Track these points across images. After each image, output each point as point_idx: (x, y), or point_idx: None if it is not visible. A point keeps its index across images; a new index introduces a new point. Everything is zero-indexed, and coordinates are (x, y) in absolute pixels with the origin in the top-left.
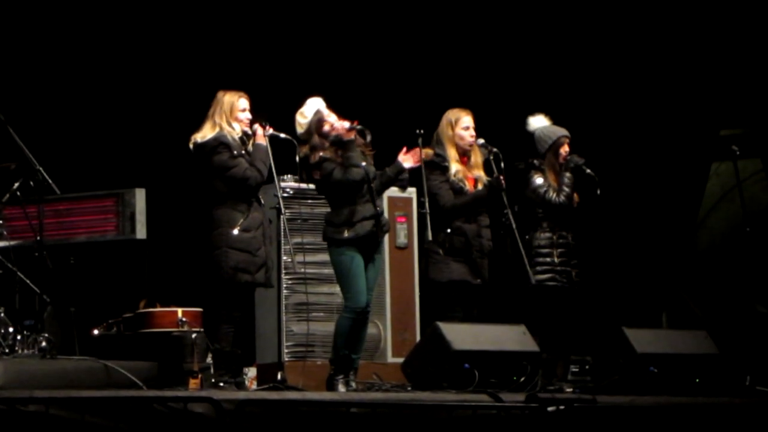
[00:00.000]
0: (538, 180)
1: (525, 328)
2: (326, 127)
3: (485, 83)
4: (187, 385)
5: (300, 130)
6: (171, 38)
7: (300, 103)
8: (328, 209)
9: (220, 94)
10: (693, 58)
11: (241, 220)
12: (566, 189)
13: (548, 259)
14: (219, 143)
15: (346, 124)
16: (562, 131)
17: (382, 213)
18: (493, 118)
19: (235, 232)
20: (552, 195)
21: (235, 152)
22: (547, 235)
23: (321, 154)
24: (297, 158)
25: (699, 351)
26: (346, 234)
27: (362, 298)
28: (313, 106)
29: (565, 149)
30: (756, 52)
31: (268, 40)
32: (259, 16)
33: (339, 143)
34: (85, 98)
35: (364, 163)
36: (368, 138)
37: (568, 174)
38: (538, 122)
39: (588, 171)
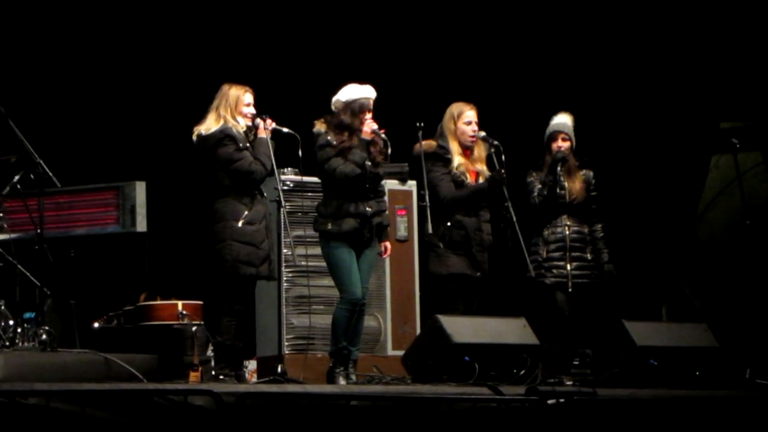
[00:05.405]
0: (528, 179)
1: (525, 321)
2: (362, 117)
3: (489, 77)
4: (188, 378)
5: (339, 96)
6: (171, 31)
7: (302, 98)
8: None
9: (225, 87)
10: (693, 51)
11: (246, 213)
12: (543, 190)
13: (534, 256)
14: (225, 135)
15: (375, 126)
16: (555, 128)
17: (372, 215)
18: (497, 111)
19: (240, 224)
20: (534, 194)
21: (241, 145)
22: (539, 231)
23: (330, 137)
24: (299, 152)
25: (699, 344)
26: (329, 226)
27: (357, 289)
28: (370, 92)
29: (557, 145)
30: (756, 45)
31: (270, 32)
32: (262, 8)
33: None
34: (86, 91)
35: (369, 163)
36: (388, 151)
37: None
38: (555, 120)
39: (558, 168)
